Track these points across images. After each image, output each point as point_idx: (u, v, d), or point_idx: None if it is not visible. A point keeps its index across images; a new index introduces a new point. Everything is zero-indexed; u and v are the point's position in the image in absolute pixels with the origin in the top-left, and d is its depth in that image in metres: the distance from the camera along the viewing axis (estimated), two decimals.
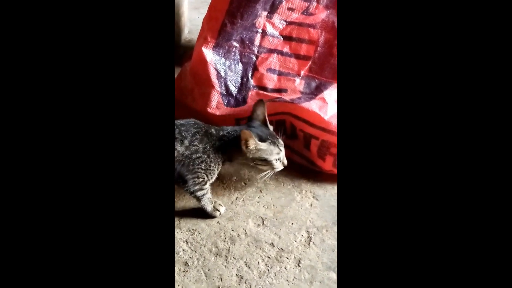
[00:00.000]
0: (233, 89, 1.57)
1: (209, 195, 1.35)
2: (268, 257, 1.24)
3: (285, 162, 1.37)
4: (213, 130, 1.33)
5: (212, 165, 1.31)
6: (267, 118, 1.37)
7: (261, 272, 1.20)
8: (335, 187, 1.48)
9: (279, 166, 1.36)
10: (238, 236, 1.31)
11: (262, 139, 1.30)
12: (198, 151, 1.28)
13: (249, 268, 1.21)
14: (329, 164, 1.47)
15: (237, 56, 1.57)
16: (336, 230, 1.32)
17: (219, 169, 1.35)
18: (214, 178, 1.36)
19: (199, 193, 1.32)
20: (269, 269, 1.21)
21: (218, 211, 1.37)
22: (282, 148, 1.35)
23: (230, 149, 1.32)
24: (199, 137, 1.29)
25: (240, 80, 1.57)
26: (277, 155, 1.33)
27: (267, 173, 1.36)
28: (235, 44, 1.56)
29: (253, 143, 1.27)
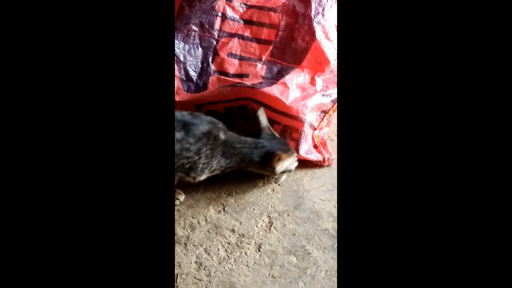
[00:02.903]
0: (193, 74, 1.53)
1: None
2: (229, 243, 1.22)
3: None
4: (221, 134, 1.27)
5: (200, 166, 1.24)
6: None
7: (221, 259, 1.18)
8: (297, 172, 1.47)
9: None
10: (198, 223, 1.28)
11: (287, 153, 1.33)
12: (189, 149, 1.20)
13: (209, 254, 1.19)
14: None
15: (197, 40, 1.53)
16: (297, 215, 1.31)
17: (212, 174, 1.30)
18: (200, 180, 1.29)
19: None
20: (229, 255, 1.19)
21: (178, 199, 1.34)
22: (295, 152, 1.39)
23: (246, 162, 1.30)
24: (198, 135, 1.22)
25: (200, 65, 1.54)
26: (296, 163, 1.38)
27: (284, 177, 1.41)
28: (194, 28, 1.52)
29: (287, 162, 1.31)
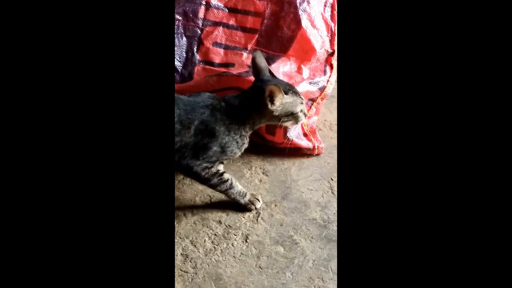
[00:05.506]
0: (178, 65, 1.50)
1: (238, 188, 1.25)
2: (215, 234, 1.21)
3: (306, 111, 1.28)
4: (222, 102, 1.21)
5: (238, 143, 1.20)
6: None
7: (207, 250, 1.17)
8: (285, 162, 1.46)
9: (303, 118, 1.24)
10: (184, 215, 1.27)
11: (285, 92, 1.17)
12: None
13: (195, 246, 1.18)
14: (280, 137, 1.45)
15: (181, 30, 1.50)
16: (285, 205, 1.30)
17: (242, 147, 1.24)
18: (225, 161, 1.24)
19: (222, 187, 1.23)
20: (215, 246, 1.18)
21: (253, 205, 1.27)
22: (303, 98, 1.24)
23: (250, 113, 1.19)
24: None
25: (185, 55, 1.51)
26: (301, 105, 1.22)
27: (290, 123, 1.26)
28: (178, 17, 1.49)
29: (280, 98, 1.15)
